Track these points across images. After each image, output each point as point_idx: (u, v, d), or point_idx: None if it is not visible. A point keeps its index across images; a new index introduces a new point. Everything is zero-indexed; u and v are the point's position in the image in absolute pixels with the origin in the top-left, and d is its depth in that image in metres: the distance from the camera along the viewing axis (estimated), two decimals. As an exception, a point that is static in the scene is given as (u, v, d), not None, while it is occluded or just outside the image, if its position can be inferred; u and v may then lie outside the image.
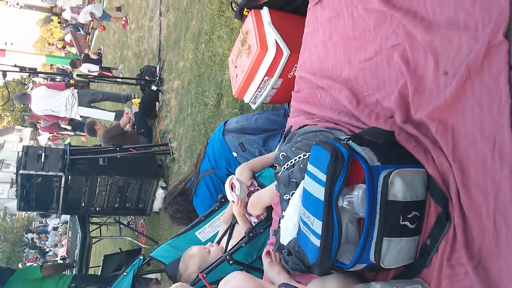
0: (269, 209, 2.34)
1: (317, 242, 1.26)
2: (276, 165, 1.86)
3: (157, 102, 7.36)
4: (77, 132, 12.14)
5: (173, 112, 6.70)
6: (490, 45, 1.14)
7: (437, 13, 1.36)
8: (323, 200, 1.24)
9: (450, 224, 1.22)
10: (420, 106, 1.34)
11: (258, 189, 2.49)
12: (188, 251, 2.51)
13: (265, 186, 2.49)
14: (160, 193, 6.56)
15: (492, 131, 1.14)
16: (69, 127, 10.34)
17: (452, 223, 1.21)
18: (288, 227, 1.50)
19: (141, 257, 3.52)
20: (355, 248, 1.24)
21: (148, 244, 6.82)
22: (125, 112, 7.64)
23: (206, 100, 5.33)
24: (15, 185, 5.88)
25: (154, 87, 7.07)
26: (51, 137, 21.87)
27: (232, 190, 2.36)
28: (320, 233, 1.24)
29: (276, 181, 1.85)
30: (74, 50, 19.78)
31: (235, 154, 2.93)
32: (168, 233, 6.06)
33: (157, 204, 6.63)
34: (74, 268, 6.68)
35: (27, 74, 7.22)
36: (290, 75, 2.75)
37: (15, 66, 6.84)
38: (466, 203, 1.18)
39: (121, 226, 7.65)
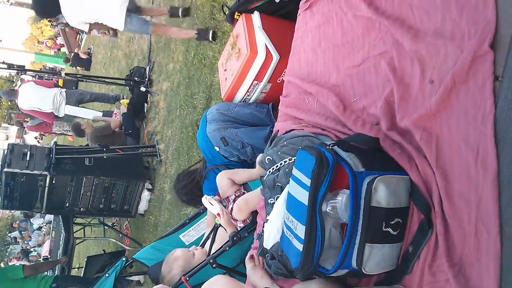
0: (254, 213, 2.34)
1: (299, 246, 1.26)
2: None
3: (145, 104, 7.33)
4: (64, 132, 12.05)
5: (162, 114, 6.68)
6: (476, 55, 1.16)
7: (424, 22, 1.37)
8: (307, 204, 1.24)
9: (432, 231, 1.22)
10: (405, 114, 1.35)
11: (244, 193, 2.49)
12: (172, 253, 2.49)
13: (251, 190, 2.49)
14: (145, 195, 6.52)
15: (476, 140, 1.15)
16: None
17: (434, 231, 1.22)
18: (271, 231, 1.50)
19: (124, 259, 3.48)
20: (338, 253, 1.25)
21: (132, 246, 6.77)
22: (114, 112, 7.60)
23: (195, 102, 5.32)
24: (-1, 184, 5.80)
25: (143, 88, 7.05)
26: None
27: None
28: (303, 238, 1.24)
29: (261, 185, 1.85)
30: (65, 49, 19.70)
31: (217, 149, 2.93)
32: (153, 236, 6.03)
33: (142, 206, 6.59)
34: (56, 269, 6.61)
35: (15, 71, 7.16)
36: (279, 80, 2.75)
37: (3, 63, 6.78)
38: (448, 211, 1.19)
39: (106, 227, 7.59)
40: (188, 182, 3.32)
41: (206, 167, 3.23)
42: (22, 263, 7.23)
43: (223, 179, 2.54)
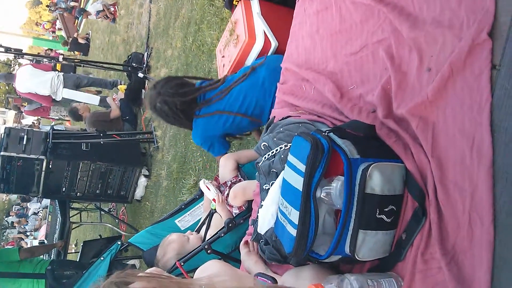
0: (249, 200, 2.35)
1: (293, 231, 1.26)
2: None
3: (143, 90, 7.31)
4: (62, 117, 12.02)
5: (159, 100, 6.65)
6: (474, 44, 1.15)
7: (423, 10, 1.36)
8: (301, 190, 1.24)
9: (426, 219, 1.23)
10: (402, 102, 1.35)
11: (240, 180, 2.49)
12: (167, 237, 2.51)
13: (247, 178, 2.49)
14: (142, 181, 6.53)
15: (472, 129, 1.15)
16: None
17: (428, 219, 1.22)
18: (266, 216, 1.50)
19: (119, 242, 3.50)
20: (331, 240, 1.25)
21: (129, 231, 6.80)
22: (112, 97, 7.58)
23: (193, 89, 5.30)
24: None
25: (140, 74, 7.02)
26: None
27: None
28: (297, 223, 1.24)
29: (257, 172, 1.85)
30: (63, 33, 19.59)
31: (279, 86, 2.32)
32: (149, 222, 6.04)
33: (139, 192, 6.60)
34: (52, 253, 6.63)
35: (13, 55, 7.13)
36: (277, 67, 2.74)
37: (1, 46, 6.75)
38: (442, 200, 1.19)
39: (102, 212, 7.61)
40: (178, 94, 2.57)
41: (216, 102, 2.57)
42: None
43: (229, 161, 2.50)
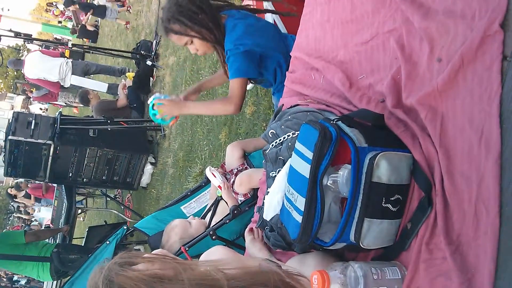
0: (255, 188, 2.36)
1: (299, 218, 1.27)
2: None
3: (151, 78, 7.33)
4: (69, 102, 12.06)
5: (167, 88, 6.68)
6: (485, 35, 1.14)
7: (436, 0, 1.35)
8: (308, 177, 1.24)
9: (431, 209, 1.22)
10: (411, 92, 1.34)
11: (247, 168, 2.51)
12: (170, 223, 2.54)
13: (254, 166, 2.50)
14: (148, 169, 6.56)
15: (481, 120, 1.15)
16: None
17: (434, 209, 1.22)
18: (272, 203, 1.51)
19: (125, 227, 3.53)
20: (336, 228, 1.25)
21: (134, 218, 6.84)
22: (122, 85, 7.61)
23: (201, 78, 5.31)
24: (3, 152, 5.85)
25: (149, 62, 7.04)
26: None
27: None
28: (303, 209, 1.25)
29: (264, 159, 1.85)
30: (69, 24, 19.66)
31: None
32: (154, 209, 6.07)
33: (145, 179, 6.63)
34: (58, 237, 6.68)
35: (22, 41, 7.15)
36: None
37: (10, 31, 6.77)
38: (449, 190, 1.19)
39: (108, 199, 7.65)
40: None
41: None
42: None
43: (237, 150, 2.54)
